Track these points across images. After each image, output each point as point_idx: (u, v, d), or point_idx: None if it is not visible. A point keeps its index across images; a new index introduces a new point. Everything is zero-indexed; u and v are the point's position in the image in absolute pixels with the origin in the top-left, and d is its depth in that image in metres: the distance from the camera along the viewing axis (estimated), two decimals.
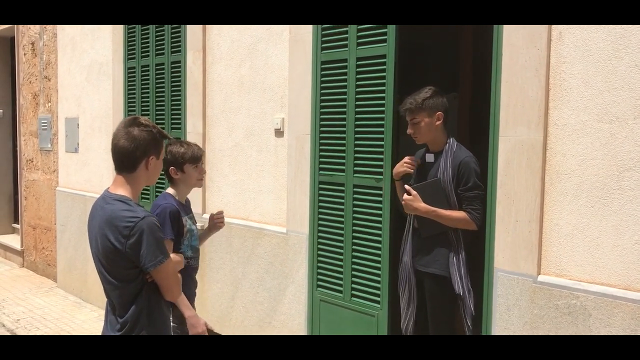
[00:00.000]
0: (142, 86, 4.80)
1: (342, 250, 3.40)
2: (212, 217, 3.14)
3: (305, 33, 3.51)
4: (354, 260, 3.35)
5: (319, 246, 3.53)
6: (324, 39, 3.42)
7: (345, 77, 3.31)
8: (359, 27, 3.22)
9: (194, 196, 4.34)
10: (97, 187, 5.47)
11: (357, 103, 3.27)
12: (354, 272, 3.35)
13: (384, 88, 3.12)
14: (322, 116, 3.46)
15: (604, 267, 2.38)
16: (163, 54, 4.56)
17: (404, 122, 3.02)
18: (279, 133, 3.74)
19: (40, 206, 6.75)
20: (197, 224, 3.03)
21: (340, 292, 3.43)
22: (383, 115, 3.14)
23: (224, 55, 4.12)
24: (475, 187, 2.76)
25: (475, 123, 4.38)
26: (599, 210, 2.38)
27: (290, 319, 3.72)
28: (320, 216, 3.51)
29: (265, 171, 3.87)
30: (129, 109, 4.96)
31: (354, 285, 3.36)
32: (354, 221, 3.33)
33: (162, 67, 4.58)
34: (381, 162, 3.17)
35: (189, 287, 2.85)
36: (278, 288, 3.79)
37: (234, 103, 4.06)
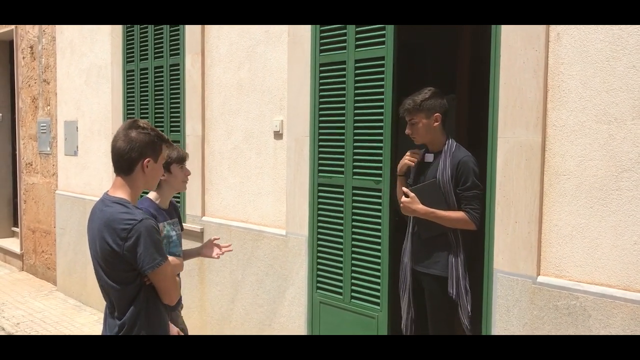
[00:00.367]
0: (141, 89, 4.81)
1: (341, 252, 3.41)
2: (211, 242, 2.94)
3: (303, 35, 3.52)
4: (353, 262, 3.35)
5: (319, 248, 3.53)
6: (322, 41, 3.43)
7: (344, 79, 3.32)
8: (357, 28, 3.23)
9: (194, 199, 4.35)
10: (96, 190, 5.47)
11: (355, 105, 3.27)
12: (353, 274, 3.35)
13: (382, 90, 3.13)
14: (321, 118, 3.46)
15: (603, 268, 2.38)
16: (162, 56, 4.57)
17: (403, 123, 3.03)
18: (278, 135, 3.74)
19: (40, 209, 6.75)
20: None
21: (340, 294, 3.43)
22: (382, 117, 3.14)
23: (223, 57, 4.12)
24: (473, 187, 2.77)
25: (473, 124, 4.38)
26: (598, 210, 2.39)
27: (290, 321, 3.72)
28: (320, 218, 3.51)
29: (264, 173, 3.87)
30: (128, 112, 4.96)
31: (353, 287, 3.36)
32: (354, 223, 3.33)
33: (161, 70, 4.59)
34: (380, 163, 3.17)
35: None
36: (278, 290, 3.79)
37: (233, 105, 4.06)
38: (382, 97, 3.13)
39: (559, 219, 2.50)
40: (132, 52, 4.88)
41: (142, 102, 4.81)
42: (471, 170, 2.77)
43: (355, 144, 3.29)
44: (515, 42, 2.60)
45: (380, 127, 3.16)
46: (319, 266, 3.54)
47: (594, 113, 2.38)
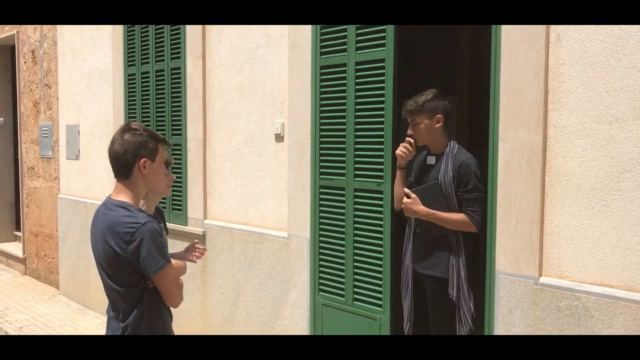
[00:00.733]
0: (143, 93, 4.82)
1: (343, 254, 3.41)
2: (193, 245, 2.74)
3: (304, 38, 3.52)
4: (355, 264, 3.35)
5: (321, 250, 3.53)
6: (322, 43, 3.43)
7: (345, 81, 3.32)
8: (358, 31, 3.24)
9: (195, 202, 4.35)
10: (98, 193, 5.48)
11: (356, 107, 3.28)
12: (355, 276, 3.36)
13: (383, 92, 3.13)
14: (322, 120, 3.47)
15: (605, 268, 2.38)
16: (163, 60, 4.58)
17: (404, 125, 3.03)
18: (279, 138, 3.75)
19: (42, 213, 6.76)
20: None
21: (342, 296, 3.43)
22: (383, 119, 3.15)
23: (224, 61, 4.13)
24: (475, 189, 2.77)
25: (474, 126, 4.39)
26: (600, 211, 2.39)
27: (292, 323, 3.72)
28: (321, 220, 3.51)
29: (265, 176, 3.87)
30: (130, 115, 4.97)
31: (355, 289, 3.36)
32: (355, 225, 3.33)
33: (162, 73, 4.60)
34: (381, 165, 3.18)
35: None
36: (280, 293, 3.79)
37: (234, 108, 4.07)
38: (383, 99, 3.13)
39: (561, 219, 2.51)
40: (133, 56, 4.89)
41: (143, 106, 4.82)
42: (472, 172, 2.77)
43: (356, 146, 3.30)
44: (515, 43, 2.60)
45: (381, 129, 3.16)
46: (321, 268, 3.54)
47: (595, 114, 2.39)
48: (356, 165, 3.31)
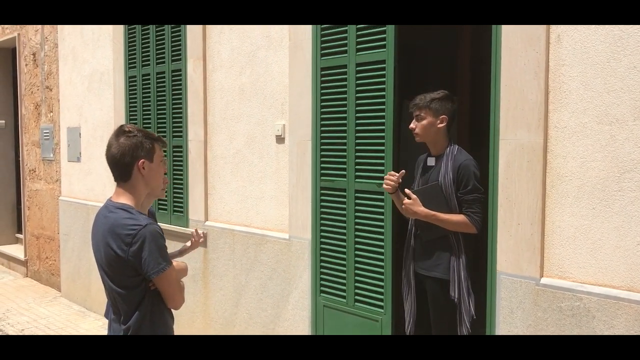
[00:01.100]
0: (143, 95, 4.82)
1: (344, 256, 3.41)
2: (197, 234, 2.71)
3: (304, 39, 3.53)
4: (356, 265, 3.35)
5: (322, 252, 3.53)
6: (323, 45, 3.44)
7: (345, 82, 3.32)
8: (358, 32, 3.24)
9: (197, 204, 4.36)
10: (99, 196, 5.49)
11: (357, 108, 3.28)
12: (357, 277, 3.36)
13: (383, 93, 3.13)
14: (322, 122, 3.47)
15: (606, 269, 2.38)
16: (164, 62, 4.59)
17: (404, 126, 3.03)
18: (280, 139, 3.75)
19: (43, 216, 6.77)
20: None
21: (344, 297, 3.43)
22: (383, 120, 3.15)
23: (225, 62, 4.13)
24: (474, 190, 2.77)
25: (475, 126, 4.39)
26: (601, 212, 2.39)
27: (294, 325, 3.72)
28: (323, 222, 3.52)
29: (266, 177, 3.88)
30: (131, 117, 4.98)
31: (357, 291, 3.36)
32: (356, 226, 3.34)
33: (163, 75, 4.60)
34: (382, 166, 3.18)
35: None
36: (281, 294, 3.79)
37: (235, 110, 4.08)
38: (384, 100, 3.13)
39: (562, 220, 2.50)
40: (134, 58, 4.90)
41: (144, 108, 4.82)
42: (472, 173, 2.77)
43: (357, 147, 3.30)
44: (515, 44, 2.61)
45: (382, 130, 3.16)
46: (322, 270, 3.54)
47: (596, 114, 2.39)
48: (357, 167, 3.31)
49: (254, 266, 3.96)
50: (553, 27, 2.51)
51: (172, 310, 2.23)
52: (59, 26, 6.13)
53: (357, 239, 3.34)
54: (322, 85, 3.45)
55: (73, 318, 5.59)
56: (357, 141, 3.29)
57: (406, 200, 2.85)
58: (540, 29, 2.52)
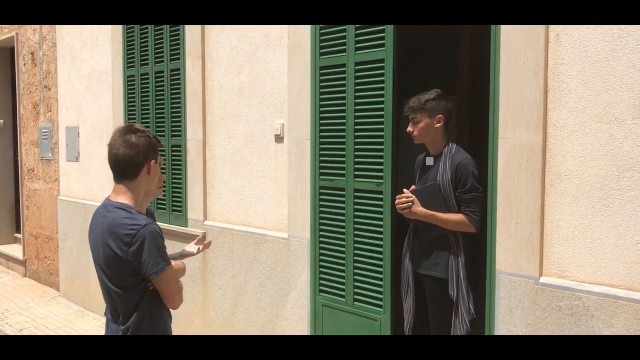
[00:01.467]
0: (142, 94, 4.82)
1: (343, 255, 3.41)
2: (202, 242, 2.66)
3: (303, 38, 3.52)
4: (355, 264, 3.35)
5: (321, 251, 3.53)
6: (322, 44, 3.43)
7: (344, 82, 3.32)
8: (357, 31, 3.24)
9: (195, 203, 4.35)
10: (98, 195, 5.48)
11: (356, 107, 3.27)
12: (356, 277, 3.35)
13: (382, 92, 3.13)
14: (321, 121, 3.47)
15: (605, 268, 2.38)
16: (162, 61, 4.58)
17: (403, 125, 3.03)
18: (279, 139, 3.75)
19: (42, 215, 6.76)
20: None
21: (343, 296, 3.43)
22: (382, 119, 3.15)
23: (223, 62, 4.13)
24: (473, 189, 2.77)
25: (474, 125, 4.39)
26: (600, 210, 2.39)
27: (293, 324, 3.72)
28: (322, 221, 3.51)
29: (265, 177, 3.87)
30: (129, 117, 4.97)
31: (356, 290, 3.36)
32: (355, 225, 3.33)
33: (162, 74, 4.60)
34: (381, 165, 3.18)
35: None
36: (280, 294, 3.79)
37: (234, 109, 4.07)
38: (383, 99, 3.13)
39: (561, 219, 2.50)
40: (133, 57, 4.89)
41: (142, 107, 4.82)
42: (470, 172, 2.77)
43: (356, 147, 3.30)
44: (515, 43, 2.60)
45: (381, 130, 3.16)
46: (321, 269, 3.54)
47: (595, 113, 2.39)
48: (356, 166, 3.31)
49: (253, 265, 3.96)
50: (552, 26, 2.51)
51: (171, 310, 2.23)
52: (58, 25, 6.12)
53: (356, 238, 3.34)
54: (321, 84, 3.45)
55: (72, 318, 5.58)
56: (356, 140, 3.29)
57: (403, 199, 2.84)
58: (539, 28, 2.52)
